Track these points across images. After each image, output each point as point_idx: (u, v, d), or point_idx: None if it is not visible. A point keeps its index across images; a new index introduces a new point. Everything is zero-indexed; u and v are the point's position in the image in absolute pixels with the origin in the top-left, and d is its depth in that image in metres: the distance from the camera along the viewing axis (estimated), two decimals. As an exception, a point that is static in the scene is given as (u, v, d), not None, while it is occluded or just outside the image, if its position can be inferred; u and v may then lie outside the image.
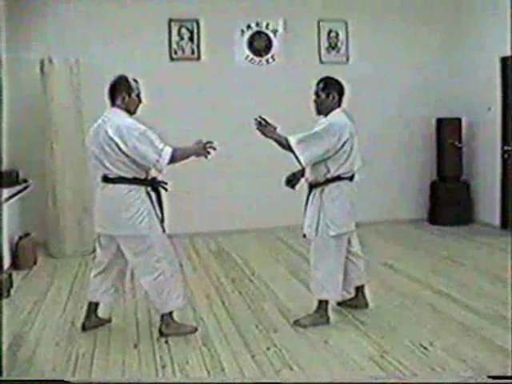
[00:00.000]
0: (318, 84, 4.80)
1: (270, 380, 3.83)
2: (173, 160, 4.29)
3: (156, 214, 4.42)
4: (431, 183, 8.84)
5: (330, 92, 4.73)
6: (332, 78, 4.82)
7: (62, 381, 3.72)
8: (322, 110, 4.76)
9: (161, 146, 4.26)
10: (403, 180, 8.92)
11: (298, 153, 4.49)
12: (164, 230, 4.49)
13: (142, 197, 4.35)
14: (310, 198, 4.73)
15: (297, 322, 4.73)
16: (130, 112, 4.46)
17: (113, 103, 4.49)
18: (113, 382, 3.86)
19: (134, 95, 4.46)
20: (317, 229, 4.63)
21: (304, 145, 4.49)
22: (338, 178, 4.63)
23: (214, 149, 4.46)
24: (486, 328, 4.56)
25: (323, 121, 4.69)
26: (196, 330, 4.65)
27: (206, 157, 4.48)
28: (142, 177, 4.39)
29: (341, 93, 4.80)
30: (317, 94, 4.78)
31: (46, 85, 7.17)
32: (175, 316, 4.63)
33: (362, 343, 4.35)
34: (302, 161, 4.52)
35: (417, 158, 8.96)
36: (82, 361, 4.16)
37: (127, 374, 3.96)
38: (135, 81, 4.54)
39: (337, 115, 4.70)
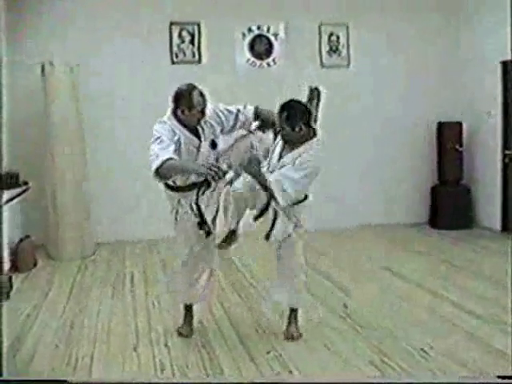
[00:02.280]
0: (287, 116, 4.11)
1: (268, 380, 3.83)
2: (164, 169, 4.02)
3: None
4: (432, 187, 8.83)
5: (308, 122, 4.15)
6: (302, 104, 4.21)
7: (62, 381, 3.71)
8: (295, 141, 4.19)
9: (160, 152, 4.05)
10: (404, 184, 8.89)
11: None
12: None
13: None
14: None
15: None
16: (186, 123, 4.28)
17: (177, 107, 4.29)
18: (112, 381, 3.85)
19: (195, 111, 4.22)
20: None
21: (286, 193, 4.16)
22: None
23: (219, 176, 4.01)
24: (486, 332, 4.55)
25: (306, 158, 4.13)
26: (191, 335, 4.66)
27: (214, 180, 4.03)
28: None
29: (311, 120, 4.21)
30: (291, 127, 4.12)
31: (46, 87, 7.17)
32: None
33: (362, 347, 4.34)
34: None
35: (417, 162, 8.93)
36: (82, 364, 4.15)
37: (126, 377, 3.95)
38: (201, 94, 4.25)
39: (314, 152, 4.19)
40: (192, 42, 8.12)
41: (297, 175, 4.10)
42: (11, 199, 6.28)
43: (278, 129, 4.35)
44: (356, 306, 5.23)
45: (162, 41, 8.07)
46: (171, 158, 4.03)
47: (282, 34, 8.38)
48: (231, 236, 4.56)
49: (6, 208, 5.92)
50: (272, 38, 8.36)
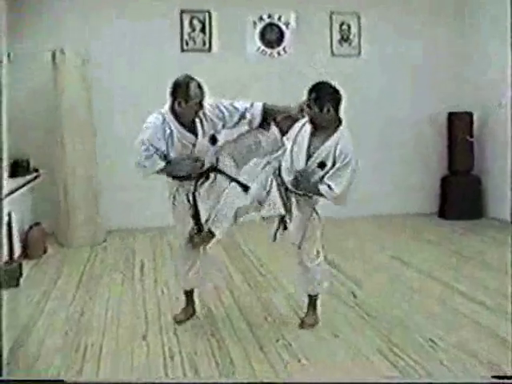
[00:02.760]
0: (316, 97, 4.13)
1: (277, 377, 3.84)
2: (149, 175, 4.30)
3: None
4: (442, 177, 8.80)
5: (336, 106, 4.17)
6: (332, 87, 4.19)
7: (61, 381, 3.71)
8: (326, 124, 4.21)
9: (146, 162, 4.18)
10: (414, 174, 8.87)
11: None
12: None
13: None
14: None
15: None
16: (183, 117, 4.24)
17: (174, 99, 4.20)
18: (110, 382, 3.85)
19: (192, 103, 4.15)
20: None
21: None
22: None
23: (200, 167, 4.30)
24: (495, 323, 4.54)
25: (346, 147, 4.31)
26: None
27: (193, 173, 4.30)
28: None
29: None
30: (319, 108, 4.14)
31: (56, 76, 7.17)
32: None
33: (371, 336, 4.34)
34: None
35: (428, 152, 8.91)
36: (91, 351, 4.16)
37: (135, 364, 3.96)
38: (199, 86, 4.19)
39: (349, 141, 4.33)
40: (203, 30, 8.10)
41: (345, 176, 4.41)
42: (22, 186, 6.32)
43: (288, 123, 4.46)
44: (366, 295, 5.23)
45: (172, 29, 8.04)
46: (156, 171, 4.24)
47: (292, 23, 8.35)
48: (206, 236, 4.44)
49: (16, 195, 5.96)
50: (283, 27, 8.33)
